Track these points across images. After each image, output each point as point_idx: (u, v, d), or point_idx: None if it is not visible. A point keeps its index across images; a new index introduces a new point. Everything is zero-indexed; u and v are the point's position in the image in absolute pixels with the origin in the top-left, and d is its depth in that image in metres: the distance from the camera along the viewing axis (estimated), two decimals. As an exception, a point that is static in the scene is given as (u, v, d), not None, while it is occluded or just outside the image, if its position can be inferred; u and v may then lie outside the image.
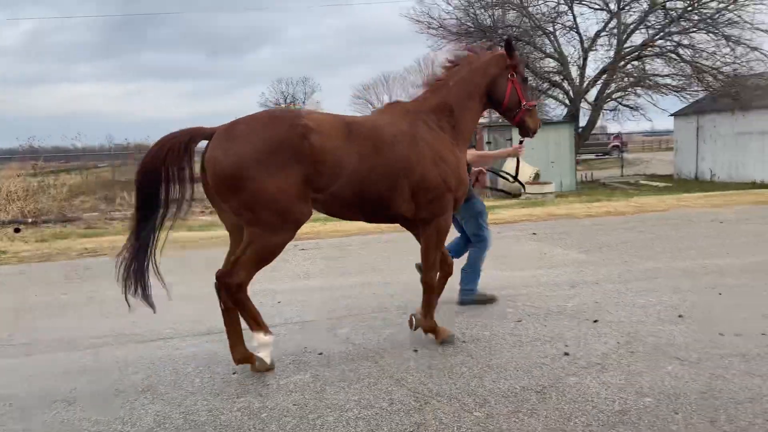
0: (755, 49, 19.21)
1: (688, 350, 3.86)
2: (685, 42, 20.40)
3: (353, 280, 6.28)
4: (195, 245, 9.10)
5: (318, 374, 3.71)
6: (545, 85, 23.30)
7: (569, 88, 23.08)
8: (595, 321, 4.55)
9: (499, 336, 4.30)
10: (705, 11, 19.46)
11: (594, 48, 22.60)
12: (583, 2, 22.61)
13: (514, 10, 22.71)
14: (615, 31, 22.44)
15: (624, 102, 23.91)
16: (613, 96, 23.29)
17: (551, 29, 22.95)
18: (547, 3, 22.33)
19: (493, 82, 4.26)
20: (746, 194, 13.88)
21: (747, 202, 12.17)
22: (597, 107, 22.94)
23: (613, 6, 22.16)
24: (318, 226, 10.24)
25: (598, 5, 22.29)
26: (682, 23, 20.06)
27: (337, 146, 3.59)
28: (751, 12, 18.75)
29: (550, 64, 23.95)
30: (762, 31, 18.80)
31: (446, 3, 22.77)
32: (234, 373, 3.79)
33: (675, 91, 21.53)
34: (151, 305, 3.61)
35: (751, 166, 20.51)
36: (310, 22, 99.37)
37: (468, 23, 22.62)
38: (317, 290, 5.90)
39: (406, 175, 3.81)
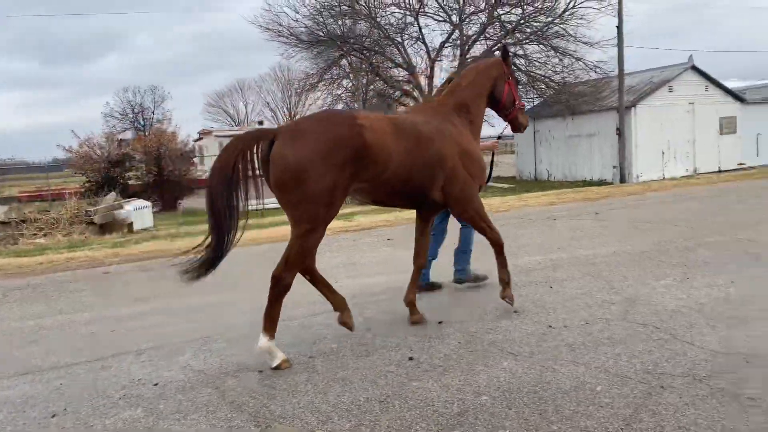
0: (579, 59, 21.18)
1: (521, 345, 4.07)
2: (520, 52, 21.99)
3: (195, 301, 5.95)
4: (18, 272, 8.18)
5: (151, 408, 3.43)
6: (397, 94, 23.99)
7: (419, 96, 23.95)
8: (440, 322, 4.67)
9: (347, 348, 4.26)
10: (536, 24, 21.12)
11: (440, 58, 23.66)
12: (428, 14, 23.61)
13: (363, 20, 23.17)
14: (458, 42, 23.65)
15: (470, 108, 25.24)
16: (460, 103, 24.51)
17: (400, 40, 23.70)
18: (394, 14, 23.02)
19: (495, 83, 4.97)
20: (577, 192, 15.23)
21: (578, 199, 13.34)
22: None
23: (455, 18, 23.34)
24: (164, 244, 9.66)
25: (442, 17, 23.37)
26: (517, 35, 21.61)
27: (387, 142, 4.05)
28: (575, 26, 20.69)
29: (401, 73, 24.73)
30: (584, 43, 20.77)
31: (294, 11, 22.70)
32: (53, 416, 3.39)
33: (513, 98, 23.12)
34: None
35: (581, 166, 22.56)
36: (159, 29, 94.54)
37: (318, 32, 22.69)
38: (150, 314, 5.52)
39: (441, 167, 4.39)
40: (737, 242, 6.99)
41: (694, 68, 20.78)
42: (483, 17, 22.59)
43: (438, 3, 22.75)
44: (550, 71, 21.97)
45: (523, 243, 7.93)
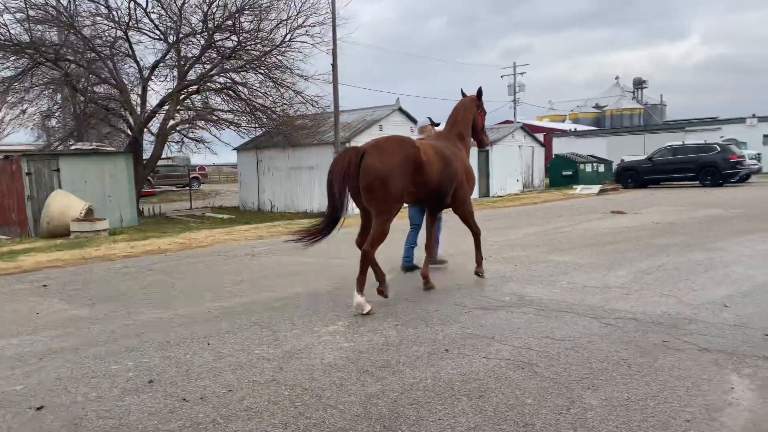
0: (298, 93, 21.42)
1: (141, 428, 3.21)
2: (238, 80, 21.44)
3: None
4: None
5: None
6: (102, 113, 21.48)
7: (129, 117, 21.81)
8: (39, 408, 3.57)
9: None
10: (254, 53, 20.80)
11: (152, 78, 21.90)
12: (141, 30, 21.73)
13: (63, 29, 20.31)
14: (175, 63, 22.19)
15: (189, 135, 23.86)
16: (178, 128, 22.98)
17: (108, 53, 21.36)
18: (97, 25, 20.68)
19: (474, 116, 6.90)
20: (289, 225, 14.98)
21: (289, 233, 13.01)
22: (161, 139, 22.23)
23: (171, 38, 21.87)
24: None
25: (156, 35, 21.72)
26: (233, 62, 21.04)
27: (432, 160, 5.82)
28: (291, 59, 20.88)
29: (109, 90, 22.30)
30: (299, 75, 21.06)
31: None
32: None
33: (235, 126, 22.42)
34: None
35: (302, 198, 22.79)
36: None
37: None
38: None
39: (456, 178, 6.21)
40: (409, 278, 7.11)
41: (401, 110, 22.59)
42: (202, 40, 21.57)
43: (150, 20, 21.06)
44: (270, 102, 21.80)
45: (208, 285, 7.12)
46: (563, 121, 67.24)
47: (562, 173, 30.06)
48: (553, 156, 33.98)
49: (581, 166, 29.84)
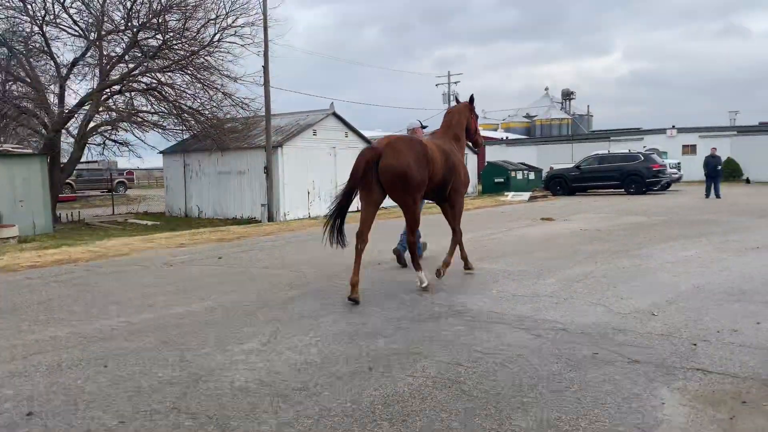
0: (228, 95, 20.72)
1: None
2: (164, 80, 20.55)
3: None
4: None
5: None
6: (14, 112, 20.07)
7: (45, 117, 20.49)
8: None
9: None
10: (180, 52, 19.98)
11: (71, 77, 20.68)
12: (60, 26, 20.49)
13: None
14: (97, 61, 21.05)
15: (112, 137, 22.68)
16: (99, 130, 21.79)
17: (21, 49, 20.02)
18: (9, 19, 19.35)
19: (468, 119, 7.55)
20: (214, 232, 14.35)
21: (213, 240, 12.43)
22: (81, 141, 21.01)
23: (93, 35, 20.73)
24: None
25: (76, 31, 20.52)
26: (159, 62, 20.15)
27: (437, 157, 6.55)
28: (220, 59, 20.18)
29: (22, 89, 20.90)
30: (227, 76, 20.38)
31: None
32: None
33: (160, 128, 21.46)
34: (344, 243, 6.32)
35: (232, 203, 22.05)
36: None
37: None
38: None
39: (455, 174, 6.95)
40: (336, 288, 6.79)
41: (335, 115, 22.25)
42: (125, 38, 20.55)
43: (69, 15, 19.88)
44: (198, 104, 21.01)
45: (116, 298, 6.55)
46: (496, 129, 68.67)
47: (494, 180, 30.49)
48: (486, 163, 34.47)
49: (513, 174, 30.38)
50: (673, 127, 41.33)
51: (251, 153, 21.33)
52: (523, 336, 4.76)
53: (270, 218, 19.83)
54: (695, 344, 4.48)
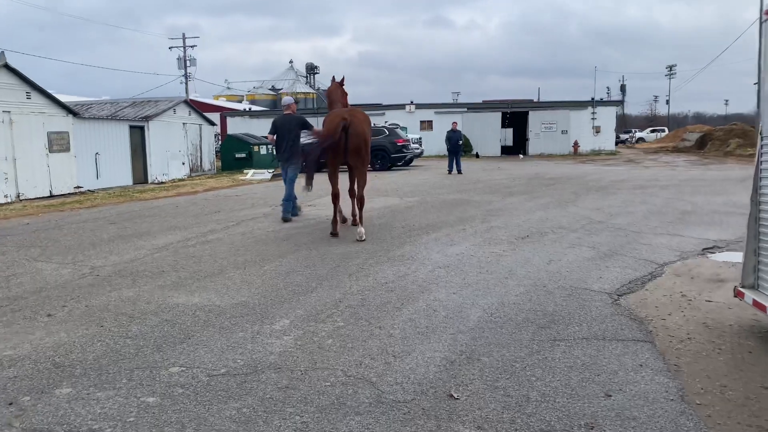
0: None
1: None
2: None
3: None
4: None
5: None
6: None
7: None
8: None
9: None
10: None
11: None
12: None
13: None
14: None
15: None
16: None
17: None
18: None
19: (342, 94, 9.18)
20: None
21: None
22: None
23: None
24: None
25: None
26: None
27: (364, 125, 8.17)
28: None
29: None
30: None
31: None
32: None
33: None
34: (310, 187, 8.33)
35: None
36: None
37: None
38: None
39: (365, 142, 8.09)
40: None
41: (9, 68, 16.59)
42: None
43: None
44: None
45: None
46: (240, 101, 64.71)
47: (235, 156, 27.05)
48: (226, 136, 30.85)
49: (255, 148, 27.28)
50: (412, 102, 42.28)
51: None
52: None
53: None
54: None
